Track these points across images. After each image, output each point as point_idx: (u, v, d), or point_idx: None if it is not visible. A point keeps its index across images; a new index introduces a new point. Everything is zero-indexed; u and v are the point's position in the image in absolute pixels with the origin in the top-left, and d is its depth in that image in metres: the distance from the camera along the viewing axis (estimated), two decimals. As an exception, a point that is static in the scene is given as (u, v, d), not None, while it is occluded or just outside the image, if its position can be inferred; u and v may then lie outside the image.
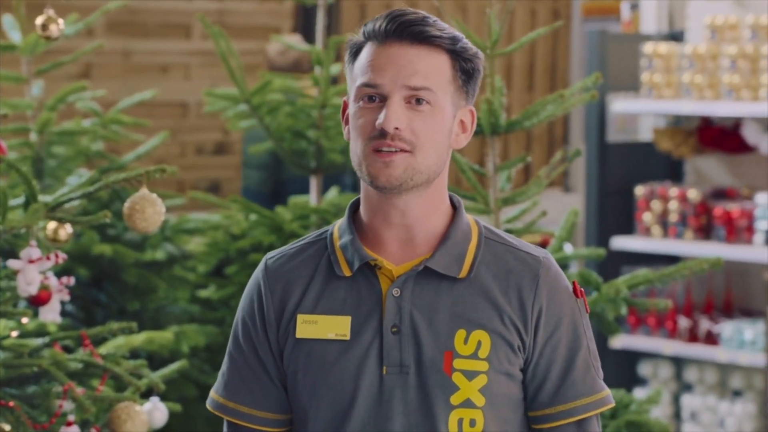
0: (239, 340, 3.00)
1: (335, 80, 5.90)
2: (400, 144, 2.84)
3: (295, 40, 7.83)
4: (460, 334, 2.88)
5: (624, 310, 4.82)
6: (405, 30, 2.88)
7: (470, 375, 2.87)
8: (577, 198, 9.75)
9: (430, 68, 2.88)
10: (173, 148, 9.67)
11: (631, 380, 8.13)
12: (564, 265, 5.07)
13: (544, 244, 5.39)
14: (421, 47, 2.88)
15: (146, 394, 4.39)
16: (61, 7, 4.56)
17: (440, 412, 2.87)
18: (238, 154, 9.98)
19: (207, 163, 10.24)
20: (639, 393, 7.60)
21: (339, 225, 2.98)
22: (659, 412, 7.69)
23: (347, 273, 2.93)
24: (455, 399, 2.87)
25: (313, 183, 5.87)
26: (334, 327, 2.91)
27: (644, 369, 8.27)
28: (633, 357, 8.24)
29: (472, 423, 2.87)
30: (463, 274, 2.92)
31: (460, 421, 2.87)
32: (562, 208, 6.11)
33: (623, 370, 8.17)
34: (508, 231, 4.93)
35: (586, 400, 2.94)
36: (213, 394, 3.04)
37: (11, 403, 4.11)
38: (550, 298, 2.93)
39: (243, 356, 2.99)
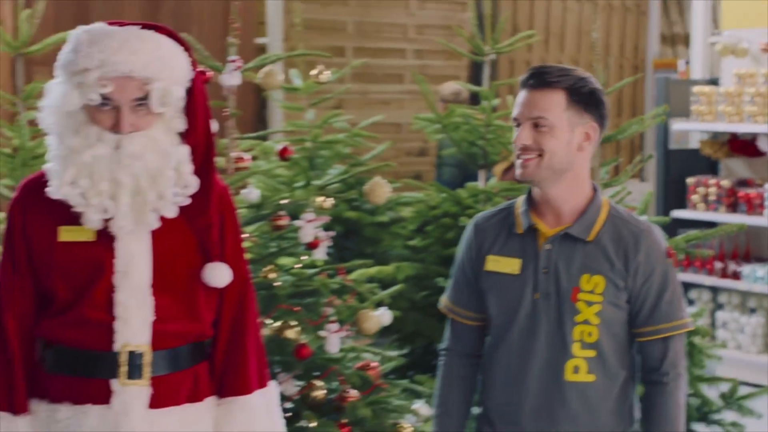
0: (459, 267, 3.03)
1: (495, 109, 5.89)
2: (531, 153, 2.84)
3: (457, 85, 7.82)
4: (585, 277, 2.86)
5: (681, 257, 4.77)
6: (535, 78, 2.86)
7: (589, 303, 2.85)
8: (649, 185, 9.62)
9: (547, 103, 2.84)
10: (392, 152, 9.72)
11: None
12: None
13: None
14: (544, 90, 2.85)
15: (378, 305, 4.44)
16: (325, 63, 4.63)
17: (568, 325, 2.86)
18: (433, 156, 10.00)
19: (413, 162, 10.27)
20: (689, 310, 7.49)
21: (521, 199, 2.98)
22: (702, 322, 7.57)
23: (520, 231, 2.93)
24: (577, 318, 2.85)
25: (481, 174, 5.87)
26: (509, 265, 2.92)
27: (692, 294, 8.15)
28: (685, 287, 8.11)
29: (590, 334, 2.86)
30: (590, 238, 2.88)
31: (582, 332, 2.86)
32: (639, 191, 6.05)
33: (678, 295, 8.05)
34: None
35: (669, 324, 2.90)
36: (443, 299, 3.09)
37: (297, 308, 4.20)
38: (646, 256, 2.87)
39: (461, 277, 3.02)
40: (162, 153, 2.61)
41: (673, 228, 7.39)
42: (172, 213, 2.63)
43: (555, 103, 2.84)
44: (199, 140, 2.68)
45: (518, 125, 2.87)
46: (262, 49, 9.15)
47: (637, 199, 5.25)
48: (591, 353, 2.86)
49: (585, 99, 2.87)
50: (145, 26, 2.64)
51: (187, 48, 2.67)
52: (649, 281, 2.88)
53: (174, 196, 2.62)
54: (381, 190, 4.18)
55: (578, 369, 2.85)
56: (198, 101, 2.67)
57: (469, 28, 8.32)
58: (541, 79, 2.85)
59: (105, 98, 2.57)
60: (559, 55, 10.87)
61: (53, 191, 2.60)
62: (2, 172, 4.76)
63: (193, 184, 2.66)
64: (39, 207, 2.66)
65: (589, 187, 2.94)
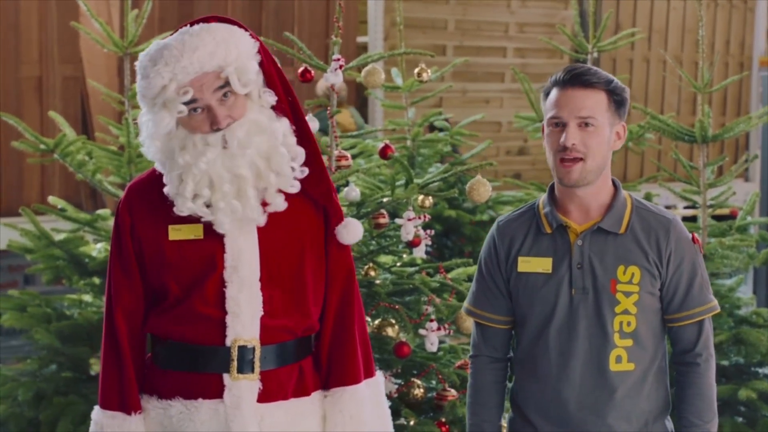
0: (483, 271, 3.04)
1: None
2: (576, 153, 2.85)
3: None
4: (621, 268, 2.90)
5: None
6: (576, 79, 2.88)
7: (627, 294, 2.89)
8: (754, 185, 9.43)
9: (594, 103, 2.87)
10: (492, 150, 9.69)
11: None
12: (745, 227, 4.96)
13: (733, 215, 5.26)
14: (587, 89, 2.87)
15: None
16: (426, 62, 4.63)
17: (608, 317, 2.89)
18: (534, 155, 9.96)
19: (513, 161, 10.23)
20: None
21: (542, 199, 3.00)
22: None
23: (549, 230, 2.95)
24: (618, 309, 2.90)
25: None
26: (541, 264, 2.94)
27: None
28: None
29: (629, 324, 2.90)
30: (622, 230, 2.92)
31: (621, 323, 2.90)
32: (744, 192, 5.95)
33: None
34: (711, 207, 4.84)
35: (700, 308, 2.95)
36: (466, 305, 3.09)
37: (397, 306, 4.21)
38: (676, 245, 2.92)
39: (485, 281, 3.03)
40: (267, 132, 2.66)
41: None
42: (294, 189, 2.67)
43: (599, 103, 2.88)
44: (285, 108, 2.71)
45: (557, 125, 2.88)
46: (362, 48, 9.19)
47: (742, 199, 5.16)
48: (629, 342, 2.90)
49: (620, 100, 2.92)
50: (193, 23, 2.69)
51: (240, 25, 2.70)
52: (680, 269, 2.93)
53: (291, 171, 2.67)
54: (482, 188, 4.16)
55: (620, 358, 2.90)
56: (268, 70, 2.70)
57: (572, 25, 8.24)
58: (583, 79, 2.88)
59: (191, 103, 2.62)
60: (662, 52, 10.71)
61: (180, 209, 2.64)
62: (109, 169, 4.86)
63: (302, 153, 2.70)
64: (147, 208, 2.72)
65: (611, 181, 2.99)
